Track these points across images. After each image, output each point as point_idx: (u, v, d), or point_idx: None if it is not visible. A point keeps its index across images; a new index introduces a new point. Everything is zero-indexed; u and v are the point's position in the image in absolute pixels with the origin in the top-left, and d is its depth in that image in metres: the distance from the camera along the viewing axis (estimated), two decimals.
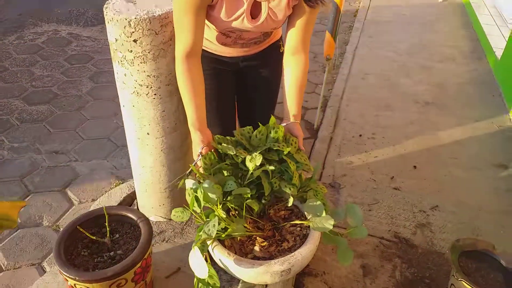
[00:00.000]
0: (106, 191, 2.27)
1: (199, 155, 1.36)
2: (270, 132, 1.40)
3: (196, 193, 1.22)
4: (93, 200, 2.23)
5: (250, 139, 1.41)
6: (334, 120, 3.01)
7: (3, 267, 1.87)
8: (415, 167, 2.53)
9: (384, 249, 1.87)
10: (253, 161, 1.26)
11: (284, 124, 1.47)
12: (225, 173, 1.32)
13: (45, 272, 1.86)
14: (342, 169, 2.49)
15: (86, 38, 4.22)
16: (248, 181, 1.31)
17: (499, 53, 3.65)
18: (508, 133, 2.83)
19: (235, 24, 1.35)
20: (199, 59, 1.39)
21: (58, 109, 3.06)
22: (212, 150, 1.39)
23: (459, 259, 1.60)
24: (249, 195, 1.29)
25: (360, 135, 2.84)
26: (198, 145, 1.39)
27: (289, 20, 1.42)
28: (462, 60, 3.91)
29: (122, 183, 2.30)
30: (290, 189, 1.32)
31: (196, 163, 1.37)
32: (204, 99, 1.42)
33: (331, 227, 1.26)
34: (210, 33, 1.48)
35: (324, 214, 1.30)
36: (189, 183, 1.27)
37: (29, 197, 2.26)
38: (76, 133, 2.81)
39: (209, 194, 1.21)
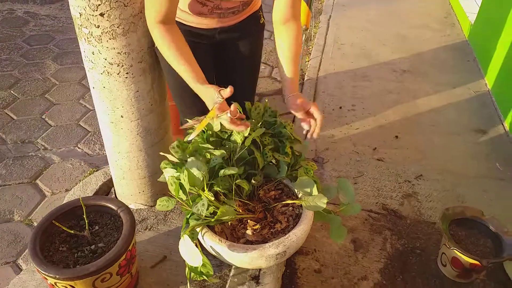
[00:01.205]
0: (80, 180, 2.14)
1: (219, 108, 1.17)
2: (266, 111, 1.35)
3: (180, 179, 1.13)
4: (66, 190, 2.11)
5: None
6: (313, 94, 2.94)
7: None
8: (396, 137, 2.51)
9: (374, 222, 1.85)
10: (240, 134, 1.18)
11: (289, 96, 1.37)
12: (208, 155, 1.23)
13: (21, 270, 1.75)
14: (324, 143, 2.45)
15: (44, 16, 3.95)
16: (238, 156, 1.23)
17: (472, 18, 3.64)
18: (484, 98, 2.84)
19: None
20: (176, 25, 1.27)
21: (21, 94, 2.86)
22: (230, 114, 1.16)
23: (449, 228, 1.60)
24: (237, 175, 1.21)
25: (340, 107, 2.79)
26: (215, 97, 1.19)
27: None
28: (436, 26, 3.89)
29: (96, 171, 2.17)
30: (284, 158, 1.27)
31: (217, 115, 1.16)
32: (193, 57, 1.29)
33: (324, 206, 1.21)
34: (184, 1, 1.35)
35: (315, 191, 1.24)
36: (169, 172, 1.18)
37: None
38: (43, 120, 2.64)
39: (194, 172, 1.12)
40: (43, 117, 2.66)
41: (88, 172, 2.23)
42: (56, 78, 3.04)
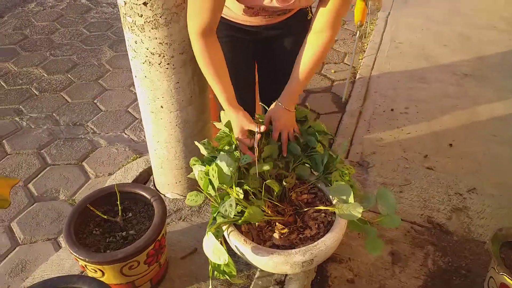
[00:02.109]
0: (123, 165, 2.19)
1: (258, 134, 1.24)
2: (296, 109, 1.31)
3: (209, 175, 1.10)
4: (109, 174, 2.17)
5: None
6: (364, 93, 2.82)
7: (19, 241, 1.84)
8: (451, 145, 2.34)
9: (416, 235, 1.73)
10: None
11: (277, 101, 1.32)
12: (236, 153, 1.19)
13: (60, 247, 1.82)
14: (372, 146, 2.33)
15: (106, 4, 4.10)
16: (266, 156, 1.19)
17: None
18: None
19: (263, 2, 1.20)
20: (216, 37, 1.25)
21: (77, 78, 2.99)
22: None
23: (501, 250, 1.45)
24: (268, 174, 1.17)
25: (392, 109, 2.64)
26: (244, 124, 1.26)
27: (321, 1, 1.23)
28: (504, 27, 3.59)
29: (139, 157, 2.22)
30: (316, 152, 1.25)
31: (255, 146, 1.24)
32: (228, 77, 1.29)
33: (359, 215, 1.13)
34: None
35: (352, 198, 1.17)
36: (198, 169, 1.16)
37: (46, 169, 2.21)
38: (95, 104, 2.74)
39: (224, 168, 1.09)
40: (95, 101, 2.76)
41: (132, 158, 2.28)
42: (110, 65, 3.14)
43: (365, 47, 3.43)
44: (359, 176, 2.10)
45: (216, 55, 1.26)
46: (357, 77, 3.01)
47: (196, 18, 1.19)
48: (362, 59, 3.24)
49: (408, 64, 3.14)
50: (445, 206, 1.89)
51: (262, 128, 1.25)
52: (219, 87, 1.27)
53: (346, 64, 3.23)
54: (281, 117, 1.30)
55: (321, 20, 1.24)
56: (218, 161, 1.10)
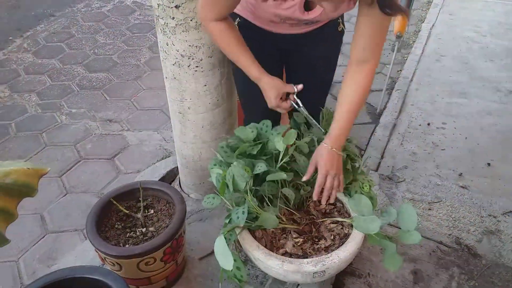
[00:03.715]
0: (152, 164, 2.24)
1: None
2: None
3: (225, 179, 1.10)
4: (138, 171, 2.22)
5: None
6: (400, 105, 2.74)
7: (49, 229, 1.92)
8: (489, 164, 2.23)
9: (442, 255, 1.65)
10: (285, 140, 1.12)
11: (323, 144, 1.21)
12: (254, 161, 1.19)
13: (86, 239, 1.88)
14: (404, 160, 2.26)
15: (149, 7, 4.23)
16: (281, 163, 1.17)
17: None
18: None
19: (283, 13, 1.17)
20: (228, 18, 1.22)
21: (116, 77, 3.09)
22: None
23: None
24: (284, 181, 1.16)
25: (428, 124, 2.55)
26: (280, 87, 1.25)
27: (356, 25, 1.14)
28: None
29: (168, 157, 2.26)
30: None
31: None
32: (249, 51, 1.26)
33: (377, 230, 1.10)
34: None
35: (370, 211, 1.13)
36: (215, 172, 1.17)
37: (80, 163, 2.30)
38: (131, 102, 2.82)
39: (237, 177, 1.09)
40: (131, 100, 2.85)
41: (161, 157, 2.33)
42: (148, 66, 3.23)
43: (405, 58, 3.34)
44: (387, 190, 2.03)
45: (233, 32, 1.22)
46: (394, 89, 2.93)
47: (210, 11, 1.17)
48: (401, 71, 3.15)
49: (449, 78, 3.03)
50: (476, 227, 1.80)
51: (300, 86, 1.22)
52: (244, 61, 1.24)
53: (384, 74, 3.16)
54: (327, 160, 1.17)
55: (359, 47, 1.16)
56: (232, 168, 1.10)
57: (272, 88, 1.24)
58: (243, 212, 1.07)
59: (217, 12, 1.17)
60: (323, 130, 1.31)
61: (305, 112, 1.28)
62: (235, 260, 1.08)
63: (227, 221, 1.14)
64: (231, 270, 1.12)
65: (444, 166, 2.22)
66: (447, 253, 1.67)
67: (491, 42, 3.49)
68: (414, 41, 3.59)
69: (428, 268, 1.60)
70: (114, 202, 1.48)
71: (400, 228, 1.17)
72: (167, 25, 1.39)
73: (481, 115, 2.63)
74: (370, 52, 1.16)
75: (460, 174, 2.16)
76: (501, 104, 2.72)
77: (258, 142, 1.22)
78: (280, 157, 1.17)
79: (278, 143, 1.14)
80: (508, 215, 1.87)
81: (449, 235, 1.75)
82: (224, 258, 1.08)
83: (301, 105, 1.27)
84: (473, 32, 3.65)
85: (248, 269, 1.55)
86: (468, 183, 2.10)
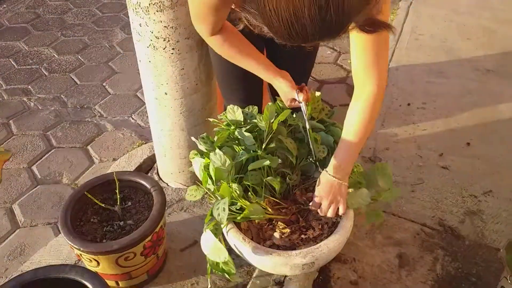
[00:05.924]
0: (127, 151, 2.15)
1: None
2: (323, 109, 1.27)
3: (208, 170, 1.04)
4: (114, 159, 2.13)
5: None
6: None
7: (19, 223, 1.82)
8: (468, 144, 2.23)
9: (426, 237, 1.65)
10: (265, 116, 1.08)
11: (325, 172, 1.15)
12: (237, 148, 1.13)
13: (60, 233, 1.79)
14: (385, 141, 2.24)
15: None
16: (266, 141, 1.12)
17: None
18: None
19: None
20: (226, 24, 1.16)
21: (87, 60, 2.94)
22: None
23: None
24: (269, 168, 1.10)
25: (409, 104, 2.54)
26: (287, 93, 1.25)
27: (351, 44, 1.04)
28: None
29: (144, 144, 2.18)
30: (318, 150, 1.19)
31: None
32: (256, 49, 1.22)
33: (369, 201, 1.08)
34: None
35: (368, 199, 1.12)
36: (197, 162, 1.10)
37: (51, 152, 2.19)
38: (103, 87, 2.69)
39: (217, 165, 1.03)
40: (104, 84, 2.72)
41: (137, 144, 2.23)
42: (121, 47, 3.09)
43: None
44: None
45: (234, 42, 1.17)
46: None
47: (203, 28, 1.14)
48: None
49: (428, 57, 3.01)
50: (459, 208, 1.80)
51: (301, 97, 1.20)
52: (253, 65, 1.22)
53: None
54: (323, 187, 1.12)
55: (354, 71, 1.06)
56: (212, 157, 1.03)
57: (280, 92, 1.27)
58: (224, 209, 1.00)
59: (209, 29, 1.13)
60: (316, 157, 1.24)
61: (307, 126, 1.21)
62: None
63: (211, 212, 1.08)
64: (220, 264, 1.07)
65: (425, 146, 2.21)
66: (431, 235, 1.67)
67: (468, 20, 3.49)
68: (392, 20, 3.55)
69: (412, 252, 1.59)
70: (89, 195, 1.39)
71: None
72: (139, 5, 1.30)
73: (461, 94, 2.63)
74: (364, 74, 1.05)
75: (441, 155, 2.16)
76: (480, 83, 2.72)
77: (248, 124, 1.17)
78: (265, 136, 1.12)
79: (260, 123, 1.09)
80: (488, 195, 1.89)
81: (432, 217, 1.75)
82: (216, 253, 1.03)
83: (305, 117, 1.21)
84: (451, 11, 3.64)
85: (233, 258, 1.51)
86: (448, 163, 2.10)
